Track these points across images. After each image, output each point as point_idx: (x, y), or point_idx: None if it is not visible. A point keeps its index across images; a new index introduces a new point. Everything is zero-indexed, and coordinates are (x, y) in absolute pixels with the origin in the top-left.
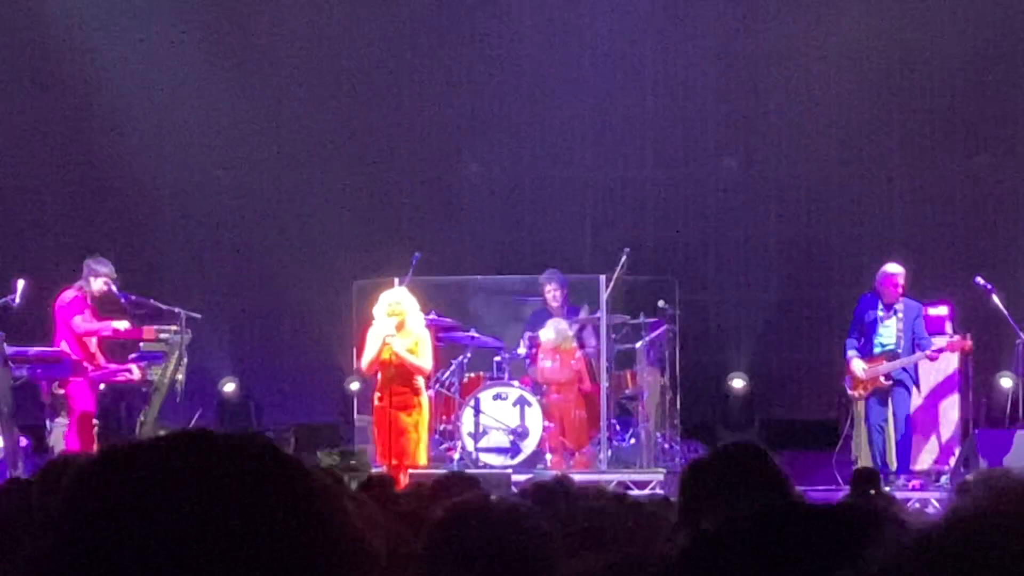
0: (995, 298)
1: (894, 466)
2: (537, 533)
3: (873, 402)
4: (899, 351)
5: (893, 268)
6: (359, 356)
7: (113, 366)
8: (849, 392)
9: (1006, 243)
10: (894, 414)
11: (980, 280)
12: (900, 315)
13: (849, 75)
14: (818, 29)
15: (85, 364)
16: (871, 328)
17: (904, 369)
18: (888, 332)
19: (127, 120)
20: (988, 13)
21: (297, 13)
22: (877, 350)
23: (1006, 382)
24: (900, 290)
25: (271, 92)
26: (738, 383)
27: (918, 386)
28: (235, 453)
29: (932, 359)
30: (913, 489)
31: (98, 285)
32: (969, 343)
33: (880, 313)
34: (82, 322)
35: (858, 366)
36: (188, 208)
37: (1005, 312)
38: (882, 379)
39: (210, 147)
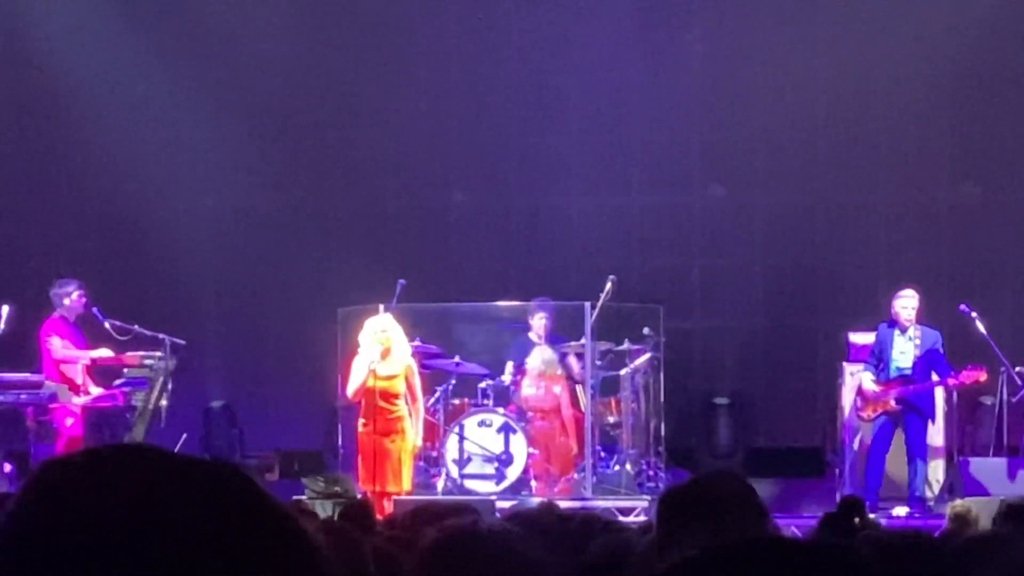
0: (980, 325)
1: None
2: (530, 558)
3: (881, 425)
4: (914, 377)
5: (902, 292)
6: (344, 383)
7: (97, 391)
8: (858, 413)
9: (991, 270)
10: (907, 441)
11: (965, 307)
12: (917, 341)
13: (834, 103)
14: (803, 58)
15: (68, 390)
16: (887, 354)
17: (920, 396)
18: (904, 358)
19: (111, 146)
20: (974, 40)
21: (281, 39)
22: (893, 374)
23: (988, 400)
24: (910, 314)
25: (256, 119)
26: (723, 410)
27: (933, 418)
28: (187, 469)
29: (948, 388)
30: (898, 517)
31: (74, 300)
32: (984, 375)
33: (896, 338)
34: (59, 347)
35: (869, 384)
36: (173, 234)
37: (990, 340)
38: (892, 403)
39: (194, 173)
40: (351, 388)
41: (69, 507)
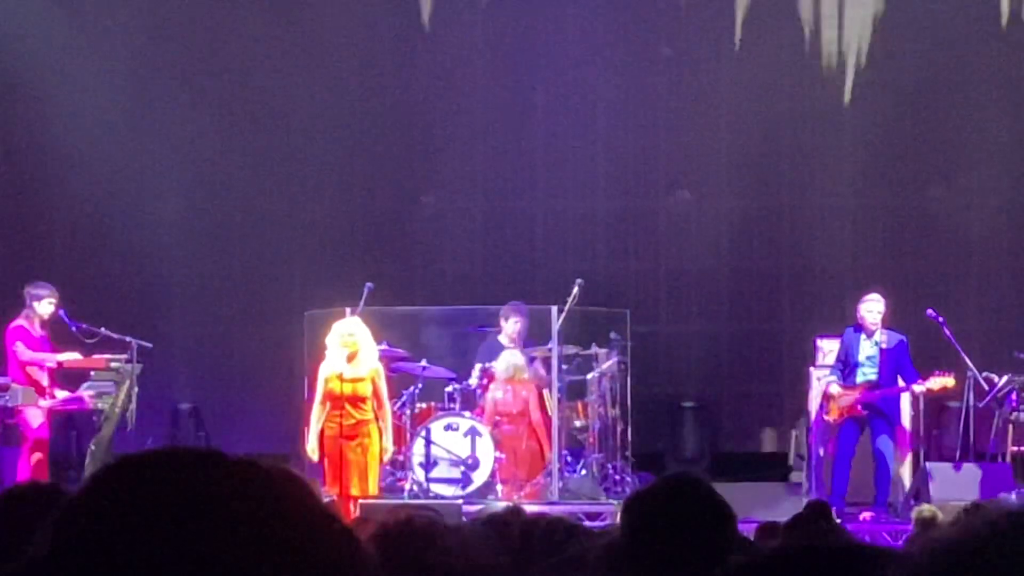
0: (946, 330)
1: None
2: (471, 552)
3: (846, 429)
4: (880, 382)
5: (868, 296)
6: (311, 386)
7: (63, 395)
8: (824, 417)
9: (958, 275)
10: (873, 445)
11: (931, 312)
12: (883, 346)
13: (800, 107)
14: (768, 62)
15: (35, 393)
16: (853, 358)
17: (886, 401)
18: (870, 363)
19: (76, 147)
20: (940, 45)
21: (248, 43)
22: (859, 379)
23: (954, 405)
24: (876, 318)
25: (222, 121)
26: (689, 414)
27: (899, 422)
28: (242, 470)
29: (914, 394)
30: (864, 521)
31: (44, 307)
32: (952, 380)
33: (862, 343)
34: (24, 350)
35: (835, 388)
36: (139, 236)
37: (956, 345)
38: (858, 407)
39: (160, 175)
40: (309, 448)
41: (131, 509)
